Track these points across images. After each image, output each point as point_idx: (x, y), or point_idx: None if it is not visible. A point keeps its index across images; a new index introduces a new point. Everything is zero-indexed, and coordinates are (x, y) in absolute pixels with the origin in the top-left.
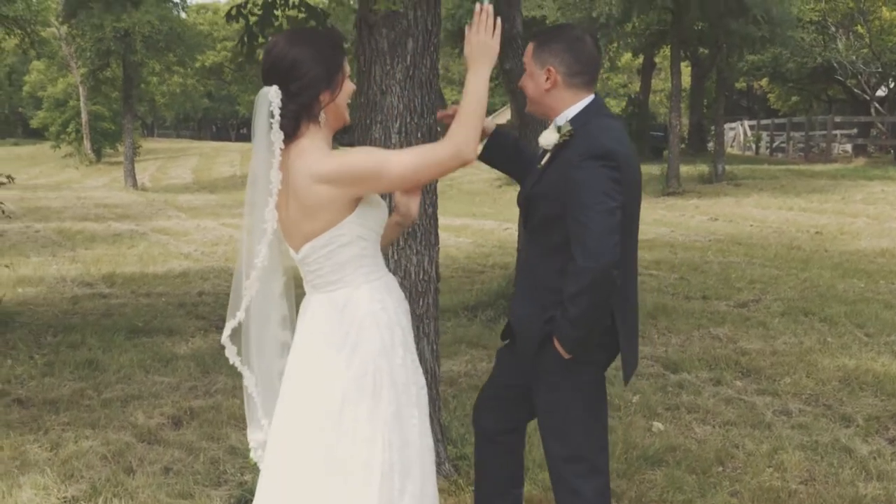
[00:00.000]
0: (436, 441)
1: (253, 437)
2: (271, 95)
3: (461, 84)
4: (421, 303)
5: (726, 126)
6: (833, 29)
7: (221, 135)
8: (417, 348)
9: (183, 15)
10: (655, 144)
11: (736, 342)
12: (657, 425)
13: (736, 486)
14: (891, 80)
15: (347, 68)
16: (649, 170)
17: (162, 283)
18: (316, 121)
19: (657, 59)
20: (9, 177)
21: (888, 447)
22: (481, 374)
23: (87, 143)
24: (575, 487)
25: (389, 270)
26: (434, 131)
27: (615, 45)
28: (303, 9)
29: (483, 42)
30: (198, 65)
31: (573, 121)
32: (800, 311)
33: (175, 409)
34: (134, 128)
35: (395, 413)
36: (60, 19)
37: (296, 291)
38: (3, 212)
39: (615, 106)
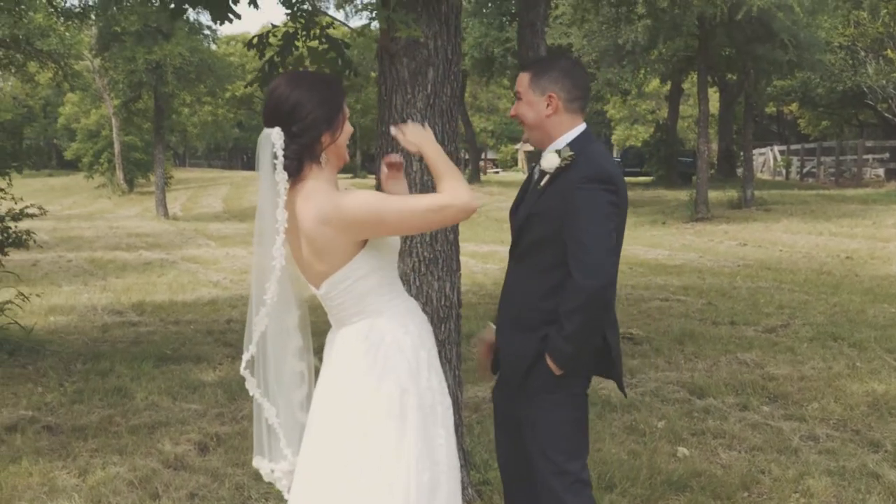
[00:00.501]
0: (460, 467)
1: (276, 467)
2: (274, 137)
3: (490, 111)
4: (443, 328)
5: (756, 151)
6: (863, 53)
7: (252, 164)
8: None
9: (213, 46)
10: (684, 170)
11: (763, 367)
12: (682, 451)
13: None
14: None
15: (347, 110)
16: (678, 196)
17: (191, 311)
18: (318, 161)
19: (685, 86)
20: (40, 208)
21: None
22: None
23: (119, 174)
24: (564, 500)
25: (411, 296)
26: (456, 159)
27: (642, 71)
28: (323, 39)
29: (414, 129)
30: (228, 95)
31: (571, 145)
32: (829, 336)
33: (201, 436)
34: (165, 158)
35: (423, 435)
36: (94, 52)
37: (313, 320)
38: (35, 241)
39: (643, 132)
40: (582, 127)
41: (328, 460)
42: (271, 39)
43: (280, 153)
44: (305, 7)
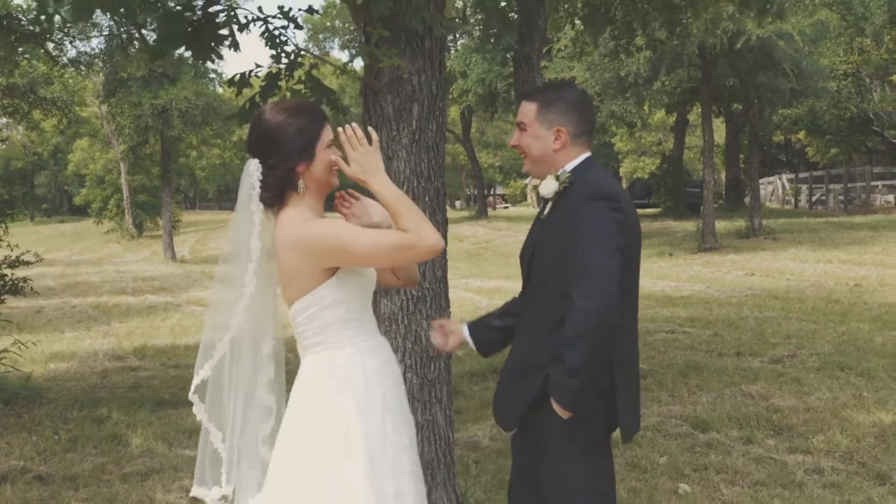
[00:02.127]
0: None
1: (209, 493)
2: (252, 169)
3: (496, 146)
4: (432, 368)
5: (765, 180)
6: (868, 80)
7: None
8: (429, 414)
9: (219, 89)
10: (692, 201)
11: (768, 399)
12: (684, 487)
13: None
14: None
15: (327, 137)
16: (685, 227)
17: (192, 354)
18: (296, 190)
19: (690, 117)
20: (37, 255)
21: None
22: (506, 438)
23: (128, 218)
24: None
25: (399, 335)
26: (442, 194)
27: (646, 104)
28: (308, 84)
29: (365, 154)
30: (235, 138)
31: (573, 171)
32: (836, 366)
33: None
34: (175, 201)
35: (369, 474)
36: (100, 99)
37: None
38: (32, 289)
39: (650, 164)
40: (585, 155)
41: (279, 493)
42: (254, 80)
43: (257, 184)
44: (289, 49)
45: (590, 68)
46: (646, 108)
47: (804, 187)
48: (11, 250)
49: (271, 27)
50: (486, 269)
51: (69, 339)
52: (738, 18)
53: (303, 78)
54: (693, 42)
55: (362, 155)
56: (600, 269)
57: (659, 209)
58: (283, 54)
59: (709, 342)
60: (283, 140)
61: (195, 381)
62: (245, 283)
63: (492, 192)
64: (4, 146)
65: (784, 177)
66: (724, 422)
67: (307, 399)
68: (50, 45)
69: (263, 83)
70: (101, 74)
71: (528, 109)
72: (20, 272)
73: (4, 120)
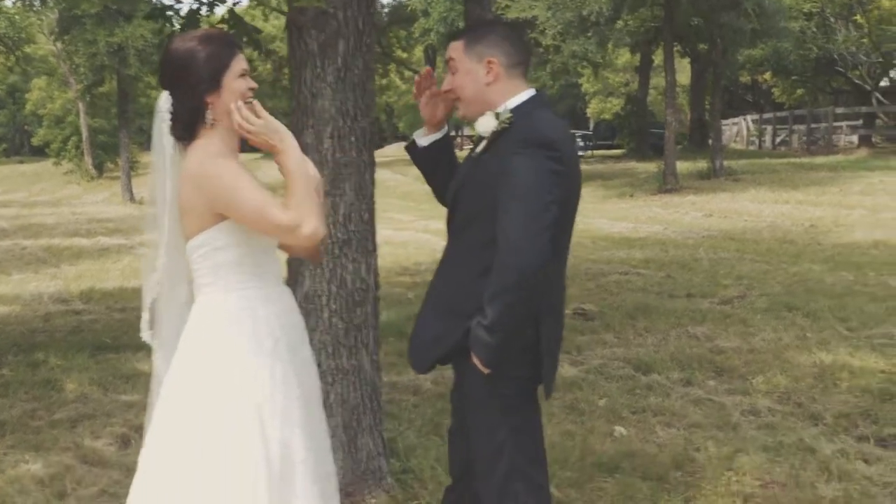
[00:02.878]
0: (377, 455)
1: None
2: (162, 101)
3: None
4: (358, 312)
5: (730, 121)
6: (832, 20)
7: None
8: (355, 359)
9: (177, 27)
10: (656, 142)
11: (713, 340)
12: (619, 430)
13: (691, 492)
14: (892, 70)
15: (238, 66)
16: (648, 168)
17: (139, 298)
18: (206, 123)
19: (655, 57)
20: None
21: (854, 445)
22: (448, 381)
23: (88, 159)
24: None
25: (324, 279)
26: (368, 134)
27: (609, 44)
28: (230, 22)
29: (265, 125)
30: None
31: (515, 110)
32: (783, 307)
33: (126, 429)
34: (136, 142)
35: (253, 419)
36: (54, 36)
37: None
38: None
39: (616, 105)
40: (530, 92)
41: (162, 436)
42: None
43: (167, 117)
44: None
45: (551, 7)
46: (609, 48)
47: (768, 128)
48: None
49: None
50: (440, 210)
51: (15, 282)
52: None
53: (226, 17)
54: None
55: (260, 129)
56: (532, 223)
57: (623, 150)
58: None
59: (661, 284)
60: (190, 69)
61: (145, 317)
62: (165, 223)
63: (459, 133)
64: None
65: (749, 118)
66: (666, 364)
67: (192, 341)
68: None
69: (183, 20)
70: (55, 10)
71: (456, 46)
72: None
73: None
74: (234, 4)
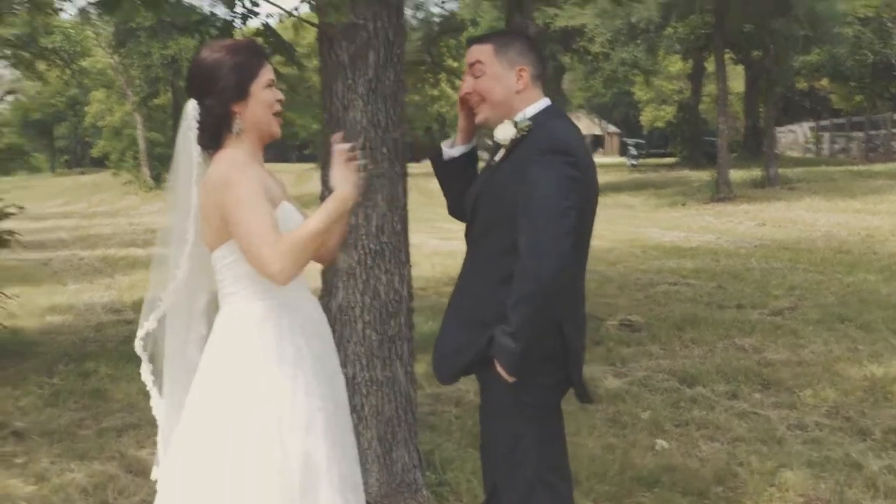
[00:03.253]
0: (412, 467)
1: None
2: (189, 109)
3: None
4: (392, 324)
5: (786, 128)
6: (889, 25)
7: (281, 156)
8: (390, 370)
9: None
10: (709, 150)
11: (761, 352)
12: (661, 443)
13: None
14: None
15: (266, 76)
16: (701, 176)
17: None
18: (231, 131)
19: (708, 64)
20: (19, 207)
21: None
22: None
23: (145, 170)
24: None
25: (357, 290)
26: (400, 145)
27: (660, 51)
28: (266, 35)
29: (347, 174)
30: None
31: (533, 118)
32: (836, 318)
33: None
34: None
35: (275, 429)
36: (111, 49)
37: None
38: (18, 241)
39: (670, 113)
40: (546, 101)
41: (185, 444)
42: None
43: (194, 125)
44: None
45: (599, 14)
46: (659, 55)
47: (826, 135)
48: None
49: None
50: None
51: (70, 292)
52: None
53: (261, 29)
54: None
55: (345, 175)
56: (553, 229)
57: (676, 158)
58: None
59: (711, 294)
60: (218, 77)
61: (140, 332)
62: (186, 229)
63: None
64: (16, 98)
65: (806, 125)
66: (711, 376)
67: (217, 349)
68: None
69: (217, 33)
70: (111, 24)
71: (484, 50)
72: (7, 224)
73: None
74: (268, 17)
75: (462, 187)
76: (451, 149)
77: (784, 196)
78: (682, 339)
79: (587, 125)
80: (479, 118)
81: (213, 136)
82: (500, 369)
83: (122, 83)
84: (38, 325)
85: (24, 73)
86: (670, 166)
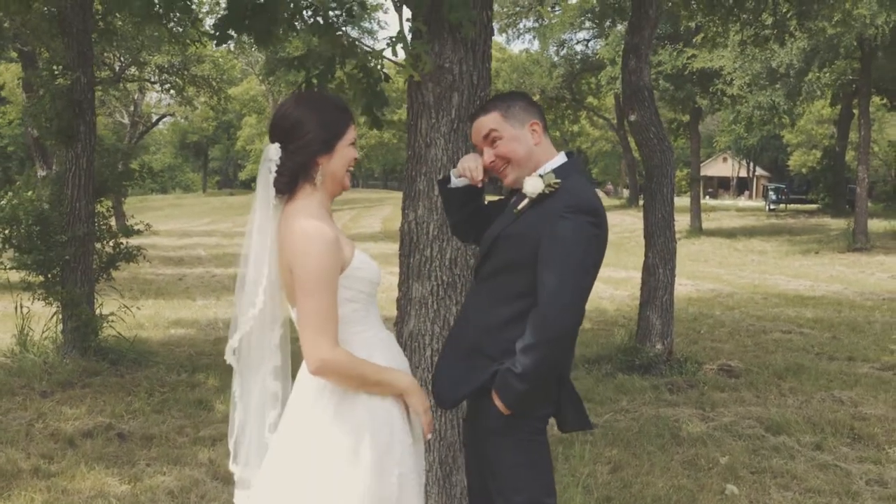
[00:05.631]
0: None
1: (240, 474)
2: (271, 152)
3: None
4: None
5: None
6: None
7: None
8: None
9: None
10: (851, 198)
11: (857, 406)
12: (731, 488)
13: None
14: None
15: (351, 136)
16: (841, 225)
17: None
18: (312, 182)
19: (856, 110)
20: (147, 225)
21: None
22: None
23: None
24: None
25: (428, 319)
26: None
27: (801, 96)
28: (363, 74)
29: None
30: (396, 118)
31: (556, 172)
32: None
33: None
34: None
35: (377, 471)
36: (261, 77)
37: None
38: (145, 257)
39: (817, 158)
40: (563, 157)
41: (280, 488)
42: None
43: (274, 168)
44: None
45: (738, 58)
46: (800, 100)
47: None
48: (128, 221)
49: (331, 14)
50: (622, 259)
51: (197, 307)
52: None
53: (356, 68)
54: (852, 33)
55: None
56: (575, 285)
57: (817, 205)
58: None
59: (823, 345)
60: (308, 128)
61: (230, 345)
62: (266, 262)
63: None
64: (176, 120)
65: None
66: (799, 426)
67: (311, 396)
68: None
69: (321, 67)
70: (263, 53)
71: (491, 118)
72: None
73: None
74: (366, 57)
75: (467, 213)
76: (458, 179)
77: None
78: (781, 387)
79: (732, 168)
80: (508, 181)
81: (289, 182)
82: (498, 403)
83: (271, 109)
84: (162, 336)
85: (174, 99)
86: (811, 213)
